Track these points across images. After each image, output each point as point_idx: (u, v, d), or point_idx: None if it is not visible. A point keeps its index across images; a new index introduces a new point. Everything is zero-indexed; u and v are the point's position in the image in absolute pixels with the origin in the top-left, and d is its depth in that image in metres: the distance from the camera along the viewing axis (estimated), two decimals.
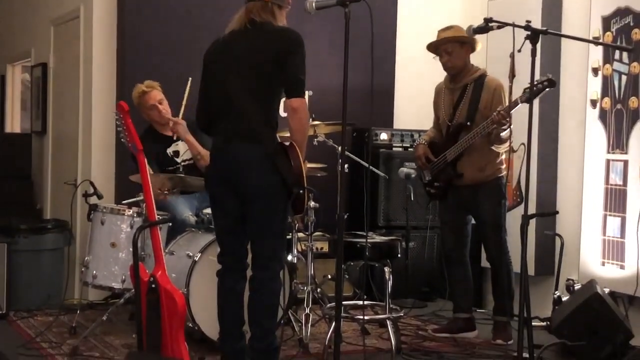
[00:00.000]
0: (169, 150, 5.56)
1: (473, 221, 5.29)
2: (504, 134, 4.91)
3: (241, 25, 3.99)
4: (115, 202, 5.66)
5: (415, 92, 6.71)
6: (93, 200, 5.19)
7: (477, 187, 5.11)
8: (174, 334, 3.81)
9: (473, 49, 5.14)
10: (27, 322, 5.42)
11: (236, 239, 4.04)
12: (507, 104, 4.90)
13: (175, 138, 5.50)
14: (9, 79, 8.91)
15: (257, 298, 3.98)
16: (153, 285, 3.84)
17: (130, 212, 5.05)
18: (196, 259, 4.68)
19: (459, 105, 5.12)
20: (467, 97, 5.10)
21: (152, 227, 4.00)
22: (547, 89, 4.58)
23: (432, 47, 5.17)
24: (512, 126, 4.87)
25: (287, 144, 3.94)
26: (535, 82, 4.35)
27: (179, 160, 5.54)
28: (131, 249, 4.12)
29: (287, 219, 4.06)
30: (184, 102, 5.38)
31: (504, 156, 5.14)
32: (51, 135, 7.30)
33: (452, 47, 5.07)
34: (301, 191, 3.89)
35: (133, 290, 4.25)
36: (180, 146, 5.56)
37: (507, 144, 5.00)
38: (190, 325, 4.60)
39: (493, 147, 5.02)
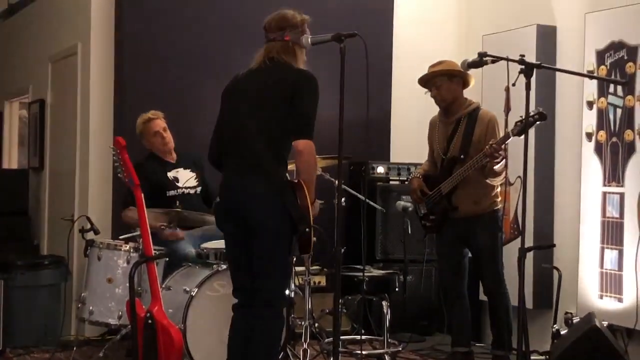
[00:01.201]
0: (170, 175, 5.58)
1: (470, 254, 5.29)
2: (498, 167, 4.93)
3: (259, 63, 4.02)
4: (112, 238, 5.66)
5: (412, 126, 6.72)
6: (90, 235, 5.19)
7: (473, 220, 5.11)
8: None
9: (466, 83, 5.17)
10: (23, 359, 5.39)
11: (246, 275, 4.01)
12: (500, 136, 4.92)
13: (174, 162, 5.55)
14: (6, 115, 8.94)
15: (258, 335, 3.95)
16: (149, 321, 3.83)
17: (127, 248, 5.04)
18: (193, 294, 4.66)
19: (453, 138, 5.14)
20: (460, 131, 5.12)
21: (149, 262, 4.00)
22: (538, 122, 4.62)
23: (423, 82, 5.22)
24: (506, 159, 4.89)
25: (296, 181, 3.95)
26: (529, 114, 4.39)
27: (179, 185, 5.56)
28: (128, 285, 4.11)
29: (290, 256, 4.04)
30: None
31: (499, 189, 5.15)
32: (48, 171, 7.31)
33: (440, 81, 5.11)
34: (307, 230, 3.87)
35: (130, 326, 4.24)
36: (181, 173, 5.59)
37: (502, 176, 5.01)
38: None
39: (488, 180, 5.03)
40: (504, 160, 4.89)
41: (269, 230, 3.88)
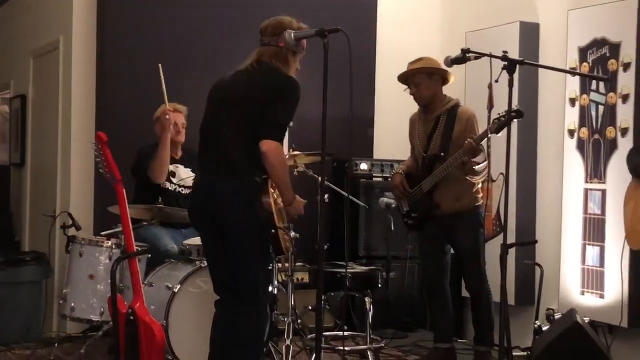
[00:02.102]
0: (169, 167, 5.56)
1: (452, 251, 5.29)
2: (478, 167, 4.90)
3: (247, 65, 4.02)
4: (93, 234, 5.63)
5: (395, 122, 6.72)
6: (71, 231, 5.16)
7: (454, 217, 5.10)
8: None
9: (445, 81, 5.17)
10: (4, 356, 5.36)
11: (224, 271, 4.01)
12: (480, 133, 4.92)
13: (177, 158, 5.55)
14: None
15: (242, 331, 3.94)
16: (131, 317, 3.81)
17: (109, 244, 5.02)
18: (175, 290, 4.65)
19: (433, 136, 5.14)
20: (440, 128, 5.12)
21: (131, 258, 3.98)
22: (515, 119, 4.61)
23: (402, 79, 5.21)
24: (489, 157, 4.88)
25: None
26: (504, 113, 4.44)
27: (174, 180, 5.54)
28: (109, 281, 4.09)
29: (265, 253, 4.01)
30: (164, 88, 5.38)
31: (480, 185, 5.15)
32: (30, 167, 7.27)
33: (419, 78, 5.11)
34: (273, 231, 3.85)
35: (111, 322, 4.22)
36: (180, 170, 5.56)
37: (483, 174, 4.98)
38: (169, 357, 4.56)
39: (468, 178, 5.01)
40: (485, 160, 4.90)
41: (239, 230, 3.89)
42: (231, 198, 3.88)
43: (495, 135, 4.70)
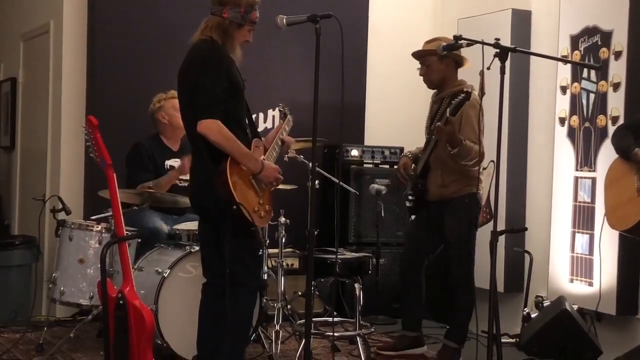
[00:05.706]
0: (167, 163, 5.52)
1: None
2: (454, 151, 4.74)
3: (194, 39, 3.97)
4: (83, 218, 5.62)
5: (386, 109, 6.74)
6: (61, 215, 5.15)
7: (443, 204, 4.97)
8: (142, 351, 3.77)
9: (458, 64, 5.00)
10: None
11: (213, 255, 4.00)
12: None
13: (175, 151, 5.52)
14: None
15: (229, 314, 3.92)
16: (121, 302, 3.81)
17: (99, 228, 5.01)
18: (165, 275, 4.65)
19: (435, 118, 5.05)
20: (442, 111, 4.95)
21: (121, 243, 3.97)
22: (466, 101, 4.61)
23: (416, 57, 5.06)
24: (481, 144, 4.84)
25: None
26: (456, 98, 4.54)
27: None
28: (99, 265, 4.08)
29: (240, 233, 3.94)
30: None
31: (481, 175, 4.93)
32: (20, 151, 7.24)
33: (430, 60, 4.95)
34: (234, 207, 3.76)
35: (101, 306, 4.21)
36: (179, 164, 5.50)
37: (469, 159, 4.79)
38: (159, 342, 4.56)
39: (462, 163, 4.90)
40: (460, 146, 4.72)
41: (212, 212, 3.88)
42: (203, 184, 3.89)
43: (493, 122, 4.64)
